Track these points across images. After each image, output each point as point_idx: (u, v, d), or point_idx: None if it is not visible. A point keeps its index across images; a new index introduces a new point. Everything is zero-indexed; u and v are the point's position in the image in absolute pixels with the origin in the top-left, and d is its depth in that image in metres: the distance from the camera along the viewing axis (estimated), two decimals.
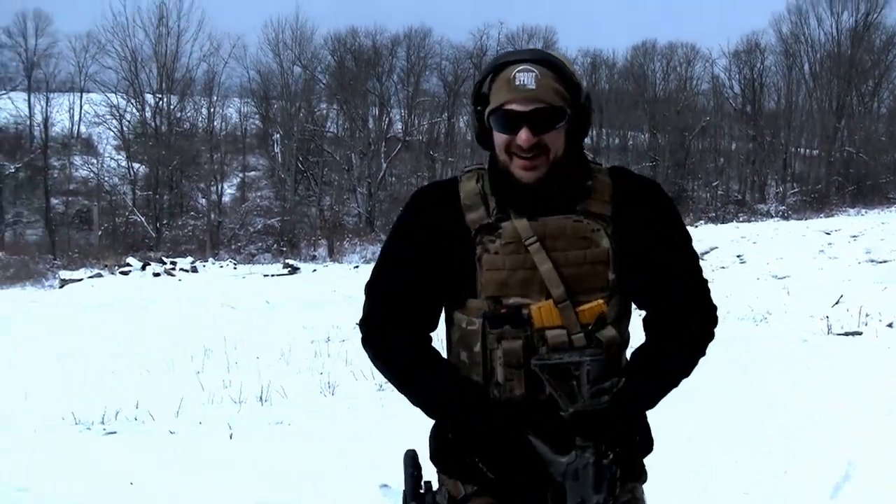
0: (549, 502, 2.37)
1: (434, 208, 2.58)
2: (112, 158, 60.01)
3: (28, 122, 61.01)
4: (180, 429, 8.70)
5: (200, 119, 62.69)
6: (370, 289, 2.68)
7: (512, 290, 2.47)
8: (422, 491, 2.61)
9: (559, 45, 68.98)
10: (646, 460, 2.74)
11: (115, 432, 8.66)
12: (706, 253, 22.68)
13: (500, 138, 2.43)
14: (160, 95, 58.85)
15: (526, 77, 2.34)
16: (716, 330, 2.64)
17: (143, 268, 33.88)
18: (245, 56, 64.84)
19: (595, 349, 2.38)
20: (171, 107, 59.40)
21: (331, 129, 63.61)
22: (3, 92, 60.31)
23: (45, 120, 59.87)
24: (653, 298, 2.59)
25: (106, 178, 58.04)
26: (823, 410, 8.27)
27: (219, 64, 61.63)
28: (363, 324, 2.68)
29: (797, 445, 7.14)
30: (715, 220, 44.79)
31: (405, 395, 2.66)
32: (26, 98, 60.71)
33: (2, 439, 8.34)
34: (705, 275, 2.65)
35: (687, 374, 2.58)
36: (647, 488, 2.78)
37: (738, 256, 21.84)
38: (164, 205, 56.57)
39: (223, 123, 65.35)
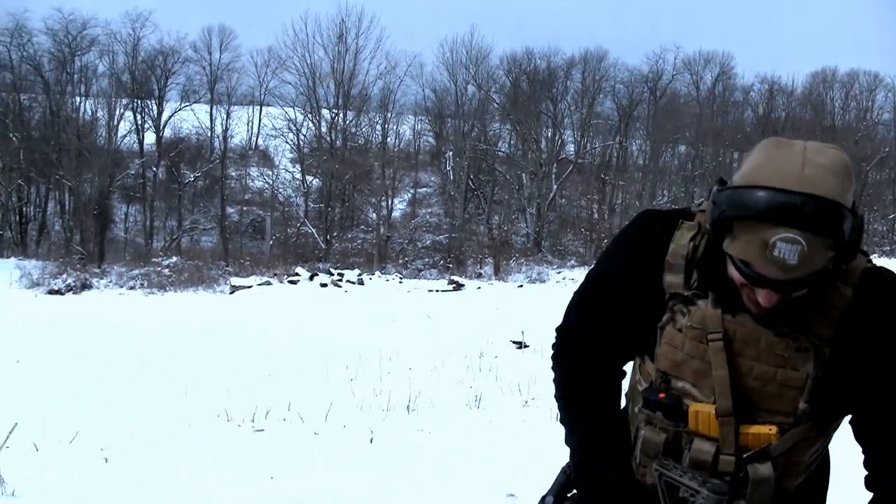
0: None
1: (647, 243, 2.30)
2: (287, 171, 61.33)
3: (209, 134, 62.77)
4: (325, 431, 8.98)
5: (374, 135, 63.73)
6: (578, 298, 2.50)
7: (684, 375, 2.20)
8: (568, 495, 2.50)
9: (736, 71, 68.10)
10: None
11: (262, 430, 9.12)
12: None
13: (735, 274, 2.05)
14: (336, 111, 59.81)
15: (788, 250, 1.89)
16: None
17: (311, 278, 34.42)
18: (421, 74, 65.16)
19: (720, 485, 2.10)
20: (347, 122, 60.39)
21: (503, 149, 63.71)
22: (188, 104, 62.29)
23: (225, 132, 61.89)
24: (867, 434, 2.21)
25: (280, 190, 59.32)
26: None
27: (394, 81, 62.36)
28: (560, 331, 2.53)
29: None
30: (889, 255, 43.43)
31: (560, 411, 2.53)
32: (208, 110, 62.47)
33: (160, 430, 9.08)
34: None
35: None
36: None
37: None
38: (336, 217, 57.43)
39: (397, 140, 66.44)
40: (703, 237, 2.18)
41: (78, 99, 59.93)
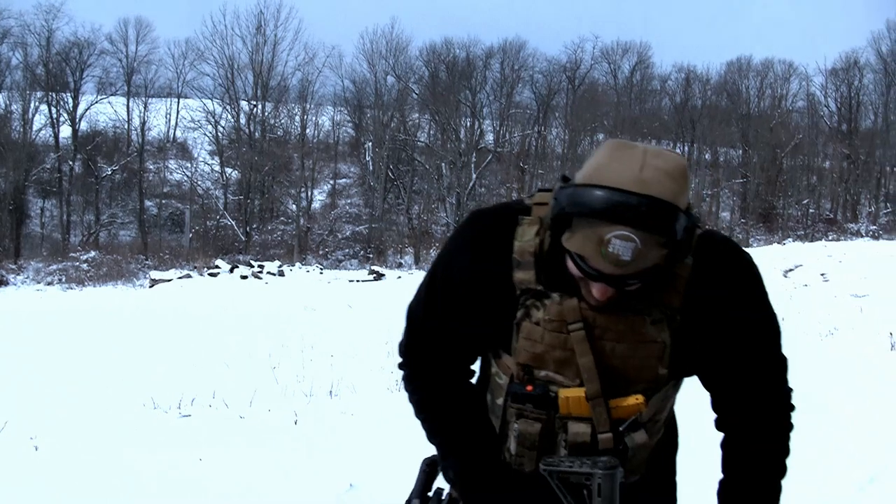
0: None
1: (488, 244, 2.30)
2: (206, 163, 61.04)
3: (126, 127, 62.10)
4: (250, 415, 9.21)
5: (294, 126, 63.52)
6: (412, 310, 2.51)
7: (546, 365, 2.24)
8: (429, 494, 2.60)
9: (653, 60, 69.02)
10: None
11: (189, 416, 9.37)
12: (790, 270, 22.37)
13: (573, 268, 2.09)
14: (255, 102, 59.65)
15: (623, 248, 1.94)
16: (792, 416, 2.40)
17: (232, 270, 34.41)
18: (340, 65, 65.23)
19: (610, 460, 2.16)
20: (266, 114, 60.14)
21: (422, 139, 63.90)
22: (104, 96, 61.59)
23: (143, 124, 61.43)
24: (719, 384, 2.37)
25: (199, 183, 59.05)
26: (862, 419, 8.42)
27: (313, 73, 62.25)
28: (402, 349, 2.56)
29: (828, 446, 7.31)
30: (804, 238, 44.34)
31: (424, 426, 2.60)
32: (125, 103, 61.81)
33: (89, 419, 9.23)
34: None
35: (776, 484, 2.37)
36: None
37: (822, 275, 21.24)
38: (255, 209, 57.27)
39: (316, 131, 66.19)
40: (547, 232, 2.20)
41: None
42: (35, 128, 58.94)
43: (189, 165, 60.09)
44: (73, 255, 44.11)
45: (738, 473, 2.36)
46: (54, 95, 59.88)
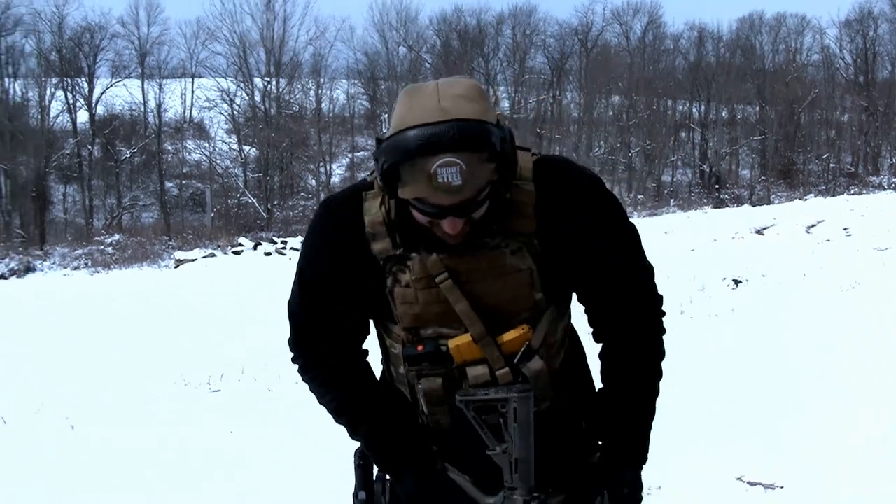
0: None
1: (341, 231, 2.36)
2: (223, 142, 61.08)
3: (142, 109, 62.09)
4: (279, 388, 9.39)
5: (308, 101, 63.46)
6: (291, 309, 2.51)
7: (430, 322, 2.30)
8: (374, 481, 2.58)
9: (664, 20, 68.67)
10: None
11: (219, 391, 9.71)
12: (812, 226, 22.32)
13: (418, 216, 2.16)
14: (269, 79, 59.55)
15: (449, 173, 1.98)
16: (664, 321, 2.45)
17: (255, 247, 34.46)
18: (352, 38, 65.76)
19: (523, 385, 2.22)
20: (280, 90, 60.09)
21: None
22: (119, 80, 61.54)
23: (159, 106, 61.16)
24: (589, 298, 2.44)
25: (218, 161, 59.04)
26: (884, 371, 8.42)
27: (325, 47, 62.27)
28: (291, 344, 2.54)
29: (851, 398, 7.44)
30: (825, 193, 44.09)
31: (331, 413, 2.58)
32: (140, 85, 61.83)
33: (122, 397, 9.57)
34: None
35: (652, 386, 2.43)
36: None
37: (845, 229, 21.30)
38: (275, 186, 57.24)
39: (331, 105, 65.97)
40: (390, 199, 2.25)
41: (6, 80, 59.27)
42: (52, 114, 59.09)
43: (207, 145, 60.10)
44: (98, 238, 44.31)
45: (613, 381, 2.43)
46: (69, 81, 59.97)
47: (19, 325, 17.27)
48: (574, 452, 2.51)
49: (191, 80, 64.59)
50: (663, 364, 2.45)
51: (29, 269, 38.61)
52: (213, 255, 34.34)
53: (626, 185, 57.91)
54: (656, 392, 2.43)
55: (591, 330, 2.50)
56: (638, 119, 59.81)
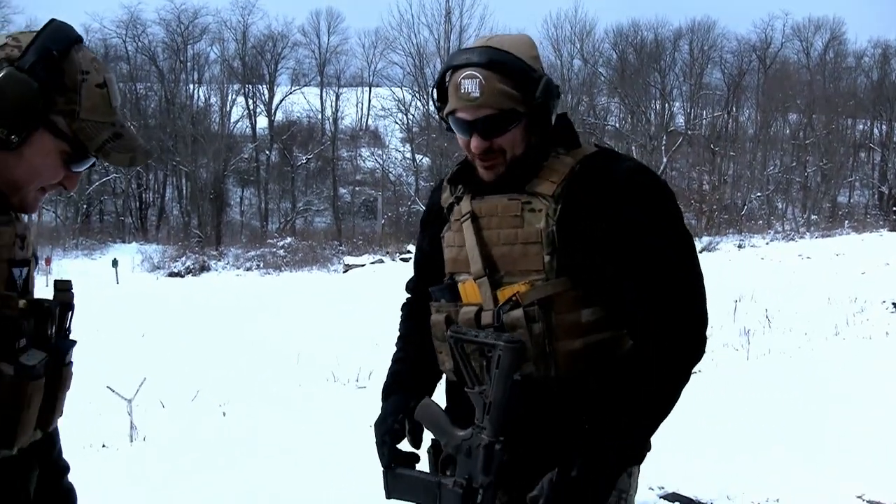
0: (439, 470, 2.35)
1: (434, 194, 2.62)
2: (397, 150, 61.96)
3: (319, 116, 63.60)
4: None
5: None
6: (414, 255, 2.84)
7: (460, 267, 2.40)
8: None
9: (847, 37, 66.77)
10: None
11: (364, 387, 9.97)
12: None
13: (459, 139, 2.33)
14: None
15: (470, 84, 2.21)
16: (704, 349, 2.24)
17: None
18: None
19: (513, 336, 2.18)
20: None
21: (612, 123, 63.47)
22: (298, 87, 63.29)
23: (335, 113, 62.54)
24: (632, 292, 2.23)
25: (391, 169, 59.87)
26: None
27: None
28: (406, 285, 2.85)
29: None
30: None
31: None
32: (318, 93, 63.28)
33: (273, 389, 9.96)
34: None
35: (669, 387, 2.20)
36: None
37: None
38: None
39: None
40: (459, 166, 2.47)
41: (191, 86, 61.53)
42: (233, 119, 61.27)
43: (381, 153, 61.01)
44: (271, 241, 45.53)
45: (629, 368, 2.20)
46: (251, 88, 62.04)
47: (189, 320, 17.92)
48: (550, 432, 2.31)
49: (367, 88, 65.90)
50: (693, 373, 2.26)
51: (204, 268, 39.92)
52: (381, 260, 34.92)
53: (801, 205, 56.59)
54: (672, 396, 2.21)
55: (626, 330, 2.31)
56: (815, 138, 58.32)
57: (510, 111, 2.21)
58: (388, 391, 2.63)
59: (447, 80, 2.28)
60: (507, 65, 2.20)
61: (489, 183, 2.33)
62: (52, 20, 1.97)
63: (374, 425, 2.54)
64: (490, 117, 2.21)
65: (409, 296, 2.82)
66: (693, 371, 2.25)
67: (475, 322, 2.32)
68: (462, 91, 2.20)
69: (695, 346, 2.22)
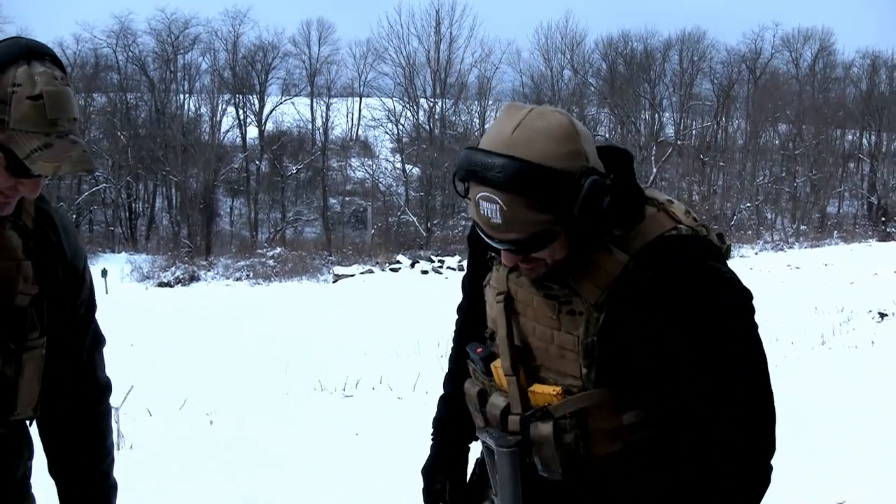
0: None
1: (474, 230, 2.28)
2: (387, 160, 61.98)
3: (310, 126, 63.64)
4: (410, 397, 9.71)
5: (473, 123, 63.81)
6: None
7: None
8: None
9: (836, 47, 66.92)
10: None
11: (351, 396, 10.07)
12: None
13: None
14: (433, 100, 60.26)
15: (490, 209, 1.85)
16: (769, 481, 1.98)
17: (413, 265, 34.98)
18: (518, 61, 65.76)
19: (510, 440, 2.06)
20: (445, 111, 60.68)
21: (602, 133, 63.53)
22: (288, 97, 63.34)
23: (326, 124, 62.53)
24: (660, 403, 1.99)
25: (381, 180, 59.86)
26: None
27: (490, 69, 62.62)
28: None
29: None
30: None
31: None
32: (309, 103, 63.34)
33: (260, 398, 10.07)
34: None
35: None
36: None
37: None
38: (436, 205, 57.75)
39: None
40: None
41: (182, 96, 61.50)
42: (223, 129, 61.25)
43: (371, 163, 61.01)
44: (260, 251, 45.55)
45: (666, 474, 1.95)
46: (241, 98, 62.13)
47: (178, 329, 17.98)
48: None
49: (358, 99, 65.93)
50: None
51: (193, 278, 39.90)
52: (370, 271, 34.94)
53: (790, 215, 56.73)
54: None
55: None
56: (805, 148, 58.49)
57: (542, 232, 1.87)
58: (437, 431, 2.56)
59: (456, 177, 1.93)
60: (532, 184, 1.81)
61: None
62: (9, 39, 2.09)
63: (422, 472, 2.52)
64: (517, 240, 1.89)
65: (461, 310, 2.62)
66: None
67: (501, 425, 2.14)
68: (481, 212, 1.87)
69: (760, 477, 1.95)
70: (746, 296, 1.93)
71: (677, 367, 1.90)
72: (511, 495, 2.05)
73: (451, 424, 2.52)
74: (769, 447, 1.94)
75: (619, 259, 1.94)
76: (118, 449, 7.49)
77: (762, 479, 1.94)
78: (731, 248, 2.14)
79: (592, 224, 1.91)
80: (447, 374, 2.62)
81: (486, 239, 1.95)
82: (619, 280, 1.93)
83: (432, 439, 2.56)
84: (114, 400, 7.78)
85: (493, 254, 2.18)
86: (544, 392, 2.04)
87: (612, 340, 1.94)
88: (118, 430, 7.56)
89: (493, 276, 2.20)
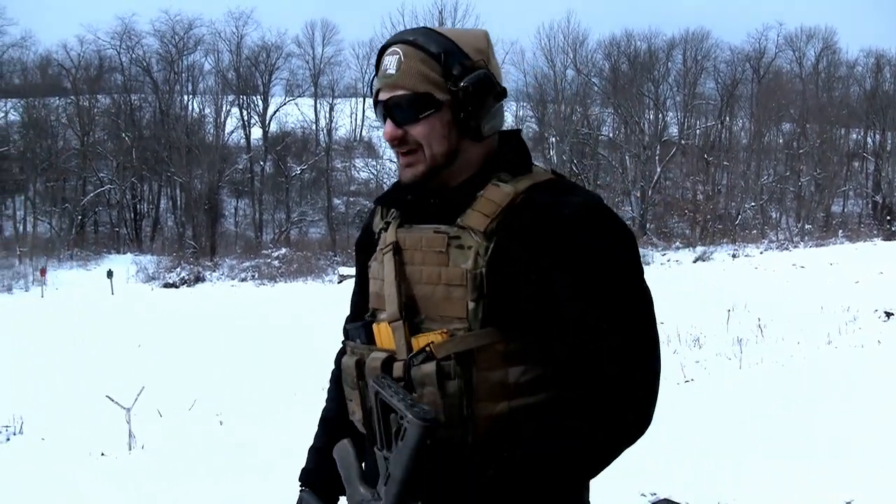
0: None
1: (371, 214, 2.29)
2: (391, 161, 61.76)
3: (314, 127, 63.74)
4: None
5: None
6: None
7: (381, 302, 2.07)
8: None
9: (840, 46, 66.82)
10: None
11: None
12: None
13: (385, 132, 2.02)
14: None
15: (390, 61, 1.96)
16: (638, 432, 1.87)
17: None
18: (522, 60, 66.07)
19: (427, 411, 1.81)
20: None
21: (605, 133, 63.56)
22: (292, 98, 63.42)
23: (330, 124, 62.55)
24: (548, 353, 1.92)
25: (385, 180, 59.82)
26: None
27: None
28: None
29: None
30: None
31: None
32: (312, 104, 63.43)
33: (269, 399, 10.15)
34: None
35: (597, 444, 1.85)
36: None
37: None
38: None
39: None
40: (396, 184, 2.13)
41: (186, 97, 61.76)
42: (227, 130, 61.41)
43: (375, 164, 61.09)
44: (265, 252, 45.64)
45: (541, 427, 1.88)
46: (245, 98, 62.18)
47: (185, 330, 18.01)
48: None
49: (361, 99, 65.95)
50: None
51: (199, 279, 40.01)
52: None
53: (795, 215, 56.61)
54: (594, 464, 1.89)
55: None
56: (809, 147, 58.33)
57: (425, 95, 1.93)
58: (305, 477, 2.38)
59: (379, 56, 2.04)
60: (435, 46, 1.95)
61: (411, 191, 2.04)
62: None
63: None
64: (401, 98, 1.95)
65: (343, 341, 2.31)
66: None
67: (384, 371, 1.98)
68: (382, 67, 1.99)
69: (635, 425, 1.86)
70: (630, 235, 1.94)
71: (564, 314, 1.86)
72: (409, 463, 1.80)
73: (319, 476, 2.34)
74: (654, 393, 1.88)
75: (507, 191, 1.94)
76: (130, 449, 7.57)
77: (643, 418, 1.87)
78: None
79: (473, 120, 1.95)
80: (320, 420, 2.47)
81: (378, 109, 2.00)
82: (508, 210, 1.92)
83: (302, 485, 2.38)
84: (125, 401, 7.85)
85: (380, 227, 2.15)
86: (429, 339, 1.92)
87: (500, 272, 1.88)
88: (129, 430, 7.64)
89: (380, 243, 2.12)
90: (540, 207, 1.90)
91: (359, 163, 62.93)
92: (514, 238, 1.89)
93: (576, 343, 1.86)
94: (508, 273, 1.88)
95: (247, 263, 42.97)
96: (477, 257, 1.89)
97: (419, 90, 1.93)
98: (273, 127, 62.99)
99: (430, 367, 1.88)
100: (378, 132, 62.15)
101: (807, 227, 50.92)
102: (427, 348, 1.90)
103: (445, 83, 1.93)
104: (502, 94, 2.01)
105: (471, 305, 1.89)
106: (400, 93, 1.94)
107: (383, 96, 1.97)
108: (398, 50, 1.95)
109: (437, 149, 1.96)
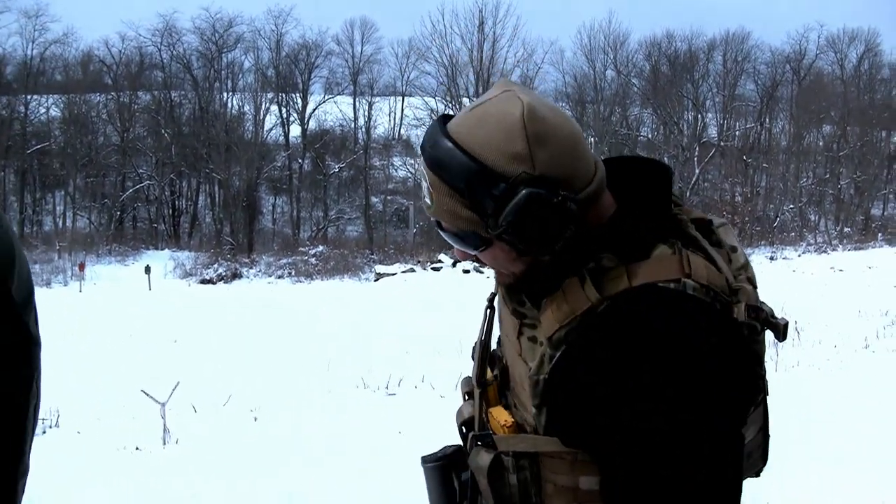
0: None
1: None
2: None
3: (352, 125, 63.79)
4: (453, 396, 9.54)
5: None
6: None
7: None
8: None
9: (882, 48, 66.16)
10: None
11: (394, 394, 10.20)
12: None
13: None
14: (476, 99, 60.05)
15: (423, 185, 1.68)
16: None
17: (454, 265, 34.89)
18: (561, 60, 65.76)
19: (436, 456, 1.89)
20: None
21: (644, 133, 63.34)
22: (331, 96, 63.55)
23: (368, 122, 62.57)
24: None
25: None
26: None
27: (533, 69, 62.48)
28: None
29: None
30: None
31: None
32: (351, 102, 63.50)
33: (304, 395, 10.20)
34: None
35: None
36: None
37: None
38: None
39: None
40: None
41: (225, 95, 61.92)
42: (266, 127, 61.49)
43: (413, 162, 61.00)
44: (302, 249, 45.80)
45: None
46: (284, 96, 62.44)
47: (221, 326, 18.12)
48: None
49: (400, 98, 66.10)
50: None
51: (236, 276, 40.16)
52: (412, 269, 35.01)
53: (834, 217, 56.21)
54: None
55: None
56: (849, 149, 57.91)
57: (469, 232, 1.63)
58: None
59: None
60: (458, 173, 1.57)
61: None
62: None
63: None
64: (450, 234, 1.67)
65: None
66: None
67: (463, 437, 1.92)
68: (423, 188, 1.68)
69: None
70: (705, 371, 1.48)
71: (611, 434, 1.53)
72: None
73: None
74: None
75: (588, 296, 1.57)
76: (164, 444, 7.61)
77: None
78: (787, 327, 1.64)
79: (532, 247, 1.57)
80: None
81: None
82: (583, 320, 1.57)
83: None
84: (160, 395, 7.91)
85: None
86: (499, 418, 1.78)
87: (563, 388, 1.59)
88: (164, 425, 7.70)
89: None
90: (616, 321, 1.54)
91: (397, 161, 63.01)
92: (581, 353, 1.57)
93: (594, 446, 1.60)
94: (570, 391, 1.58)
95: (284, 261, 43.08)
96: (542, 362, 1.61)
97: (461, 229, 1.63)
98: (312, 125, 63.23)
99: (486, 458, 1.73)
100: (416, 131, 62.36)
101: (846, 230, 50.58)
102: (490, 436, 1.75)
103: (483, 217, 1.57)
104: (564, 200, 1.53)
105: (532, 409, 1.65)
106: (446, 226, 1.66)
107: (430, 216, 1.70)
108: (425, 174, 1.64)
109: (513, 269, 1.68)
